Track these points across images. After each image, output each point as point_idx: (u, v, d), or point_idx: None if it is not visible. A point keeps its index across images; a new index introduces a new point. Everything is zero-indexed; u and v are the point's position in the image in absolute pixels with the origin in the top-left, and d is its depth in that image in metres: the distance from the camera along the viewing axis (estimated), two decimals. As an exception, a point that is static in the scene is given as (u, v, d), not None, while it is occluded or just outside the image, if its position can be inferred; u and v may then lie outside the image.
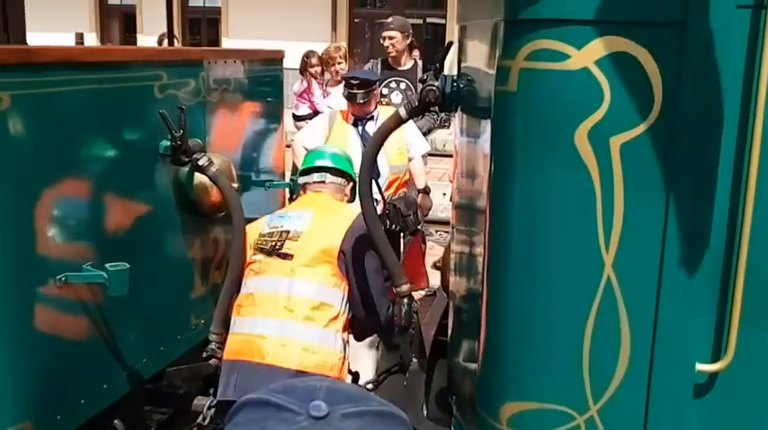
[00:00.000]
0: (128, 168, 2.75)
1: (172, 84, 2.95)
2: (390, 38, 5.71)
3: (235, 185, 3.14)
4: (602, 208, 1.73)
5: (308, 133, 5.06)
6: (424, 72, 5.72)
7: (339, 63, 6.66)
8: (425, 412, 2.77)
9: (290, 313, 2.76)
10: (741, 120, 1.69)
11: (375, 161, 2.66)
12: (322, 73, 6.96)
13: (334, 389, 0.83)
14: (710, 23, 1.64)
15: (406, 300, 2.67)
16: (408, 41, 5.78)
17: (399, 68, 5.79)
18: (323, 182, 3.15)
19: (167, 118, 2.76)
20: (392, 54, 5.76)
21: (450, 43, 2.65)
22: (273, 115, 4.06)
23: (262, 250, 2.92)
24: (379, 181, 4.67)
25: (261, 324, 2.77)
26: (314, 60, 6.92)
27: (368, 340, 3.48)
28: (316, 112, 6.72)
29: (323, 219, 2.96)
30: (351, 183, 3.22)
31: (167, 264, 3.05)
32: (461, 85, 2.44)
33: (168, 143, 2.85)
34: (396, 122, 2.57)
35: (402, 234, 4.77)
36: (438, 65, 2.53)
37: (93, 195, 2.57)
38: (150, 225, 2.90)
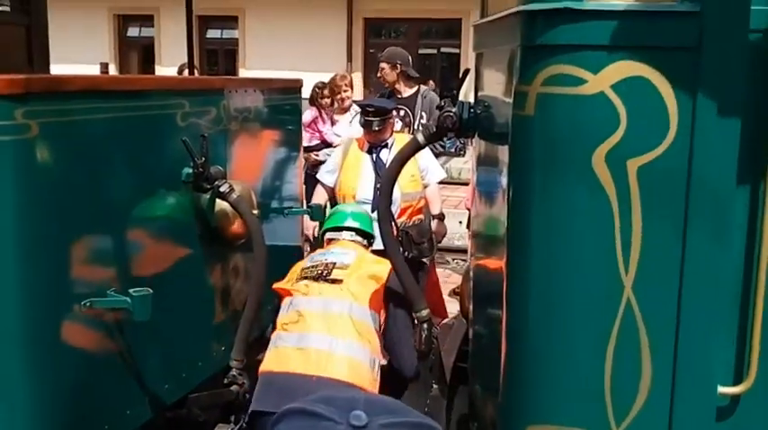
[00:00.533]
0: (151, 195, 2.79)
1: (194, 112, 3.00)
2: (381, 69, 6.00)
3: (255, 212, 3.18)
4: (620, 230, 1.75)
5: (328, 168, 5.13)
6: (441, 99, 5.86)
7: (345, 91, 6.77)
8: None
9: (339, 330, 2.93)
10: (756, 143, 1.72)
11: (394, 185, 2.70)
12: (331, 104, 7.04)
13: (372, 401, 0.87)
14: (724, 48, 1.67)
15: (425, 325, 2.69)
16: (397, 71, 5.98)
17: (399, 97, 5.96)
18: (353, 241, 3.51)
19: (190, 145, 2.82)
20: (385, 84, 5.98)
21: (467, 71, 2.69)
22: (292, 143, 4.12)
23: (306, 277, 3.17)
24: (392, 208, 4.70)
25: (313, 338, 2.90)
26: (326, 91, 7.01)
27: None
28: (324, 143, 6.79)
29: (367, 258, 3.33)
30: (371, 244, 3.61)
31: (189, 289, 3.08)
32: (479, 111, 2.47)
33: (190, 170, 2.89)
34: (414, 148, 2.61)
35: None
36: (455, 92, 2.57)
37: (117, 221, 2.61)
38: (172, 251, 2.94)
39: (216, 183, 2.94)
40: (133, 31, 20.93)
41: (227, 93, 3.30)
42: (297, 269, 3.32)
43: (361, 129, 4.94)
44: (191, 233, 3.05)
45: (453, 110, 2.48)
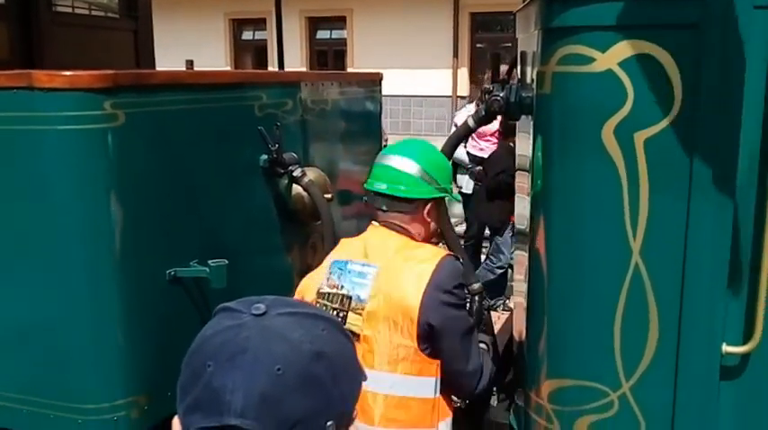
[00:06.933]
0: (230, 178, 3.08)
1: (271, 103, 3.27)
2: None
3: (328, 196, 3.42)
4: (628, 198, 1.87)
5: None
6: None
7: None
8: (495, 402, 2.91)
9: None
10: (760, 114, 1.79)
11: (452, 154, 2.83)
12: None
13: (278, 298, 1.09)
14: (727, 24, 1.76)
15: (477, 298, 2.83)
16: None
17: None
18: (384, 210, 2.43)
19: (264, 133, 3.09)
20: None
21: (517, 56, 2.82)
22: (370, 132, 4.34)
23: None
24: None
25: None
26: None
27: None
28: None
29: (388, 282, 2.23)
30: (428, 205, 2.40)
31: (267, 265, 3.35)
32: (524, 94, 2.61)
33: (267, 157, 3.17)
34: (465, 131, 2.78)
35: None
36: (505, 76, 2.71)
37: (200, 202, 2.90)
38: (251, 230, 3.21)
39: (289, 168, 3.20)
40: (247, 35, 21.82)
41: (304, 85, 3.56)
42: (315, 283, 2.43)
43: None
44: (268, 213, 3.31)
45: (501, 94, 2.62)
